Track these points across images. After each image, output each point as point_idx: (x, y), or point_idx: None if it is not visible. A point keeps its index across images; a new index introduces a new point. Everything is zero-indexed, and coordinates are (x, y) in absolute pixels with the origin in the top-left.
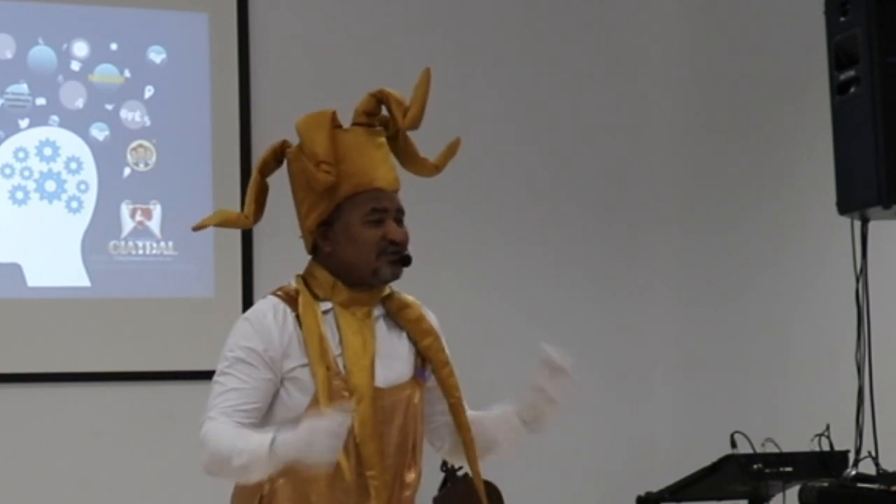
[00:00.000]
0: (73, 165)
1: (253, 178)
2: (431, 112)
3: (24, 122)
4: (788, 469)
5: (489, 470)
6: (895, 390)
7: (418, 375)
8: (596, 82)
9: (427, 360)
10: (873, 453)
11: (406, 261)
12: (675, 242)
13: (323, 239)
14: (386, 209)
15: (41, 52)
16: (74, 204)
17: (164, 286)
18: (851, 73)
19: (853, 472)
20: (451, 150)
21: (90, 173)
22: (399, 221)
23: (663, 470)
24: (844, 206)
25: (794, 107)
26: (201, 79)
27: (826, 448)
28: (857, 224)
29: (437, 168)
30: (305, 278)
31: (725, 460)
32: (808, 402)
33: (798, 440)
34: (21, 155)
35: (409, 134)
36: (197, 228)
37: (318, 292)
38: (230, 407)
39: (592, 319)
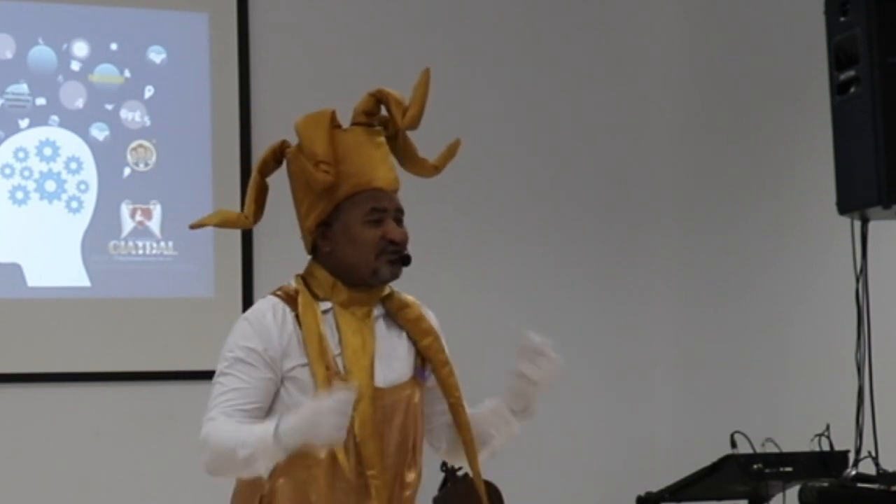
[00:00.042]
0: (73, 165)
1: (253, 178)
2: (431, 112)
3: (24, 122)
4: (788, 469)
5: (489, 470)
6: (895, 390)
7: (418, 375)
8: (596, 82)
9: (427, 359)
10: (873, 453)
11: (405, 260)
12: (675, 242)
13: (322, 239)
14: (385, 209)
15: (41, 52)
16: (74, 204)
17: (164, 286)
18: (851, 73)
19: (853, 472)
20: (451, 151)
21: (90, 173)
22: (398, 221)
23: (663, 470)
24: (844, 206)
25: (794, 107)
26: (201, 79)
27: (826, 448)
28: (857, 224)
29: (436, 169)
30: (305, 278)
31: (725, 460)
32: (808, 402)
33: (798, 440)
34: (21, 155)
35: (409, 134)
36: (195, 227)
37: (318, 292)
38: (231, 407)
39: (592, 319)
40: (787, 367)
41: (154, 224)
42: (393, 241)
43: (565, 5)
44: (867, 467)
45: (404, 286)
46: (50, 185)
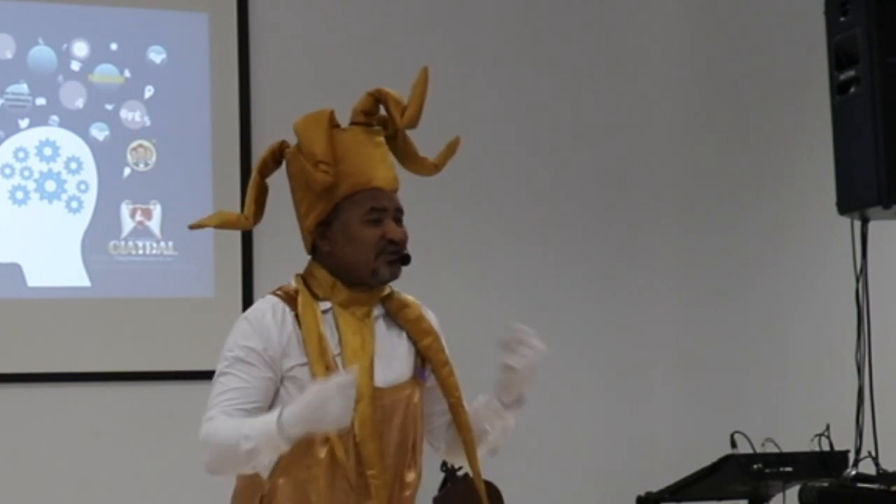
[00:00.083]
0: (73, 165)
1: (252, 178)
2: (431, 112)
3: (24, 122)
4: (788, 469)
5: (489, 470)
6: (895, 390)
7: (418, 375)
8: (596, 82)
9: (427, 359)
10: (873, 453)
11: (405, 260)
12: (675, 242)
13: (322, 239)
14: (385, 208)
15: (41, 52)
16: (74, 204)
17: (164, 286)
18: (851, 73)
19: (853, 472)
20: (451, 149)
21: (90, 173)
22: (398, 221)
23: (663, 470)
24: (844, 206)
25: (794, 107)
26: (201, 79)
27: (826, 448)
28: (857, 224)
29: (436, 167)
30: (305, 278)
31: (725, 460)
32: (808, 402)
33: (798, 440)
34: (21, 155)
35: (409, 133)
36: (194, 227)
37: (318, 292)
38: (231, 406)
39: (592, 319)
40: (787, 367)
41: (154, 224)
42: (392, 241)
43: (565, 5)
44: (867, 467)
45: (404, 286)
46: (50, 185)
